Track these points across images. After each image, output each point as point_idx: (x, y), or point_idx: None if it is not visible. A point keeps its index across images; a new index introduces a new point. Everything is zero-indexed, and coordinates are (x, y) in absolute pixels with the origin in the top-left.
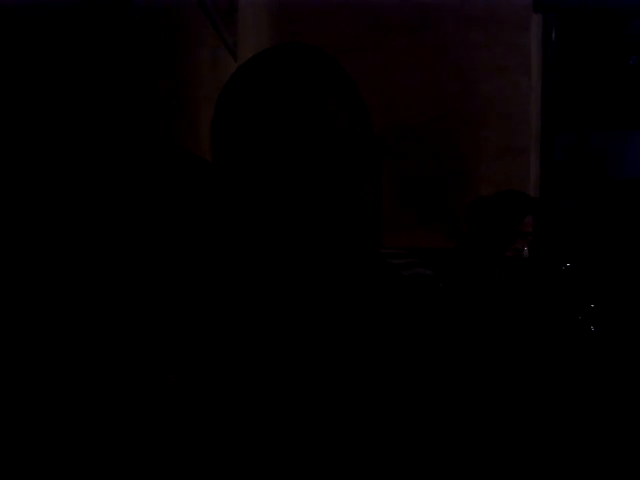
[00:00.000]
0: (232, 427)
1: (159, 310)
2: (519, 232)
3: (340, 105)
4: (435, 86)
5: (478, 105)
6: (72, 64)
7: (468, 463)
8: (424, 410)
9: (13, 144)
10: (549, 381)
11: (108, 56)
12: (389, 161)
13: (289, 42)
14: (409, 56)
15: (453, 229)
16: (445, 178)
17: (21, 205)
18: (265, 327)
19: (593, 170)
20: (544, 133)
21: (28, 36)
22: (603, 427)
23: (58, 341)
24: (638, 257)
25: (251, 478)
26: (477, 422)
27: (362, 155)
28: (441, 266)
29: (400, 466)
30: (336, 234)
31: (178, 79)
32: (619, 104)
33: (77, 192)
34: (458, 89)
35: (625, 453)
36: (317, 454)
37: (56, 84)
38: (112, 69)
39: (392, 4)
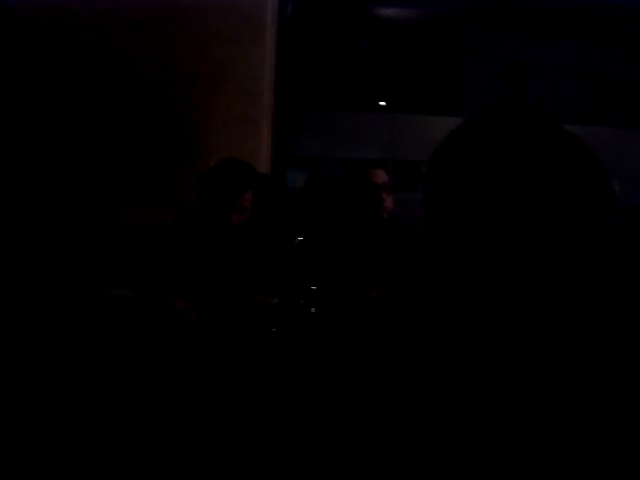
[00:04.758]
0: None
1: None
2: (238, 207)
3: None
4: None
5: (210, 72)
6: None
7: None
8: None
9: None
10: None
11: None
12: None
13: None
14: None
15: (179, 202)
16: (172, 150)
17: None
18: None
19: (326, 150)
20: (278, 107)
21: None
22: None
23: None
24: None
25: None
26: None
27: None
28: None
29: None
30: None
31: None
32: (350, 86)
33: None
34: (190, 54)
35: None
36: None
37: None
38: None
39: None
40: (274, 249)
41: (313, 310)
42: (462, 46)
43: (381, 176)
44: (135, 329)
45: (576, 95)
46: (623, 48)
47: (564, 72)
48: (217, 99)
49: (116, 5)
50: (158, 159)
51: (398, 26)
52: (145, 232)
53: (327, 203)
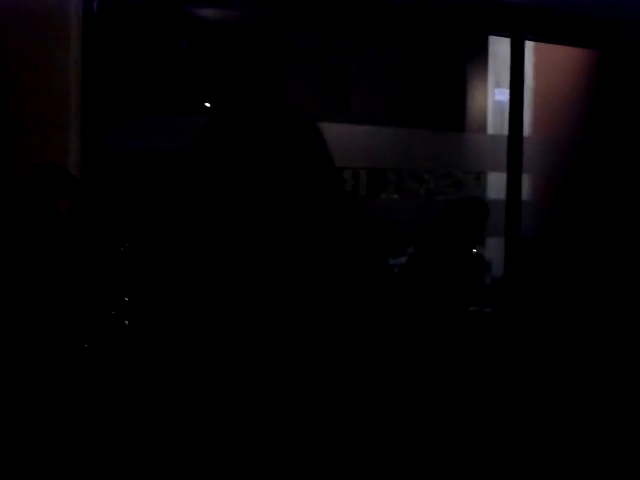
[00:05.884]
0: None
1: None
2: (54, 213)
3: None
4: None
5: (12, 74)
6: None
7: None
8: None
9: None
10: None
11: None
12: None
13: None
14: None
15: None
16: None
17: None
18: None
19: (147, 154)
20: (88, 111)
21: None
22: None
23: None
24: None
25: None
26: None
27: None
28: None
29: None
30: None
31: None
32: (171, 88)
33: None
34: None
35: None
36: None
37: None
38: None
39: None
40: (90, 258)
41: (127, 322)
42: (287, 49)
43: None
44: None
45: (395, 98)
46: (438, 52)
47: (384, 75)
48: (21, 103)
49: None
50: None
51: (221, 27)
52: None
53: (144, 209)
